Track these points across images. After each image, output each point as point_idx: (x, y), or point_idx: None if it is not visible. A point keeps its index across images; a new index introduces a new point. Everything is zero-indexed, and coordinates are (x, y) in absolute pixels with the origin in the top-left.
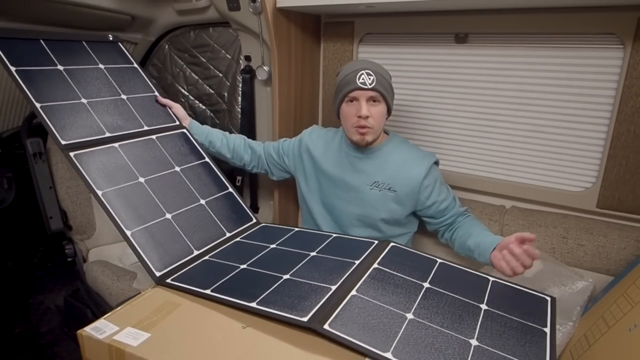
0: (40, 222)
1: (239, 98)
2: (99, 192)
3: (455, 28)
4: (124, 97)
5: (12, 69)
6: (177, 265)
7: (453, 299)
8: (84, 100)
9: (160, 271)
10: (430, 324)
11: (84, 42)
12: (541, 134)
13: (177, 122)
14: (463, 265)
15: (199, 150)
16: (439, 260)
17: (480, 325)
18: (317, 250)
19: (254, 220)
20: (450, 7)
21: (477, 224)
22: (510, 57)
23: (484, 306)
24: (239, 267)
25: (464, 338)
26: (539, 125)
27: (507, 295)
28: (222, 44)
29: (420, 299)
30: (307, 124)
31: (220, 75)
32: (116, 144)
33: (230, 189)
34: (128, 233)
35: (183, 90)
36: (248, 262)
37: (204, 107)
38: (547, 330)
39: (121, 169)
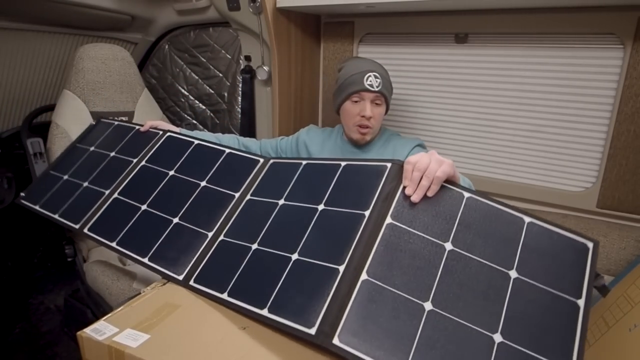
0: (41, 222)
1: (239, 98)
2: (114, 244)
3: (455, 28)
4: (112, 154)
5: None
6: (196, 259)
7: (478, 268)
8: (85, 184)
9: (181, 274)
10: (450, 316)
11: (77, 144)
12: (541, 134)
13: (160, 132)
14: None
15: (186, 141)
16: (466, 195)
17: (506, 309)
18: (325, 200)
19: (261, 161)
20: (450, 7)
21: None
22: (510, 57)
23: (513, 273)
24: (251, 248)
25: (487, 333)
26: (539, 125)
27: (543, 244)
28: (222, 44)
29: (441, 275)
30: (307, 124)
31: (220, 75)
32: (115, 194)
33: (228, 150)
34: (145, 260)
35: (183, 90)
36: (259, 239)
37: (204, 107)
38: (582, 302)
39: (126, 212)
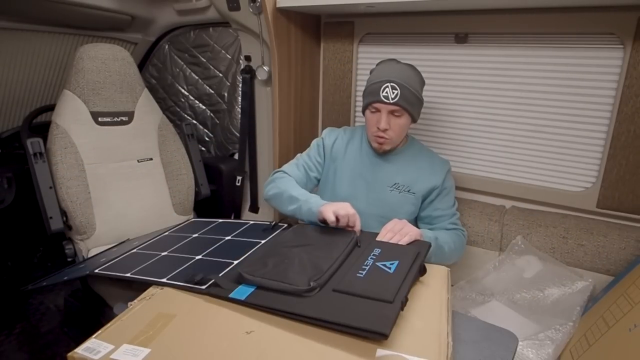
0: (40, 222)
1: (239, 98)
2: (128, 274)
3: (455, 28)
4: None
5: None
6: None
7: None
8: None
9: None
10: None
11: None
12: (541, 134)
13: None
14: None
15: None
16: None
17: None
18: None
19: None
20: (450, 7)
21: (449, 234)
22: (510, 57)
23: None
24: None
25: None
26: (539, 125)
27: None
28: (222, 44)
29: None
30: (307, 124)
31: (220, 75)
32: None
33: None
34: (164, 279)
35: (183, 90)
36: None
37: (204, 107)
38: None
39: (146, 259)
